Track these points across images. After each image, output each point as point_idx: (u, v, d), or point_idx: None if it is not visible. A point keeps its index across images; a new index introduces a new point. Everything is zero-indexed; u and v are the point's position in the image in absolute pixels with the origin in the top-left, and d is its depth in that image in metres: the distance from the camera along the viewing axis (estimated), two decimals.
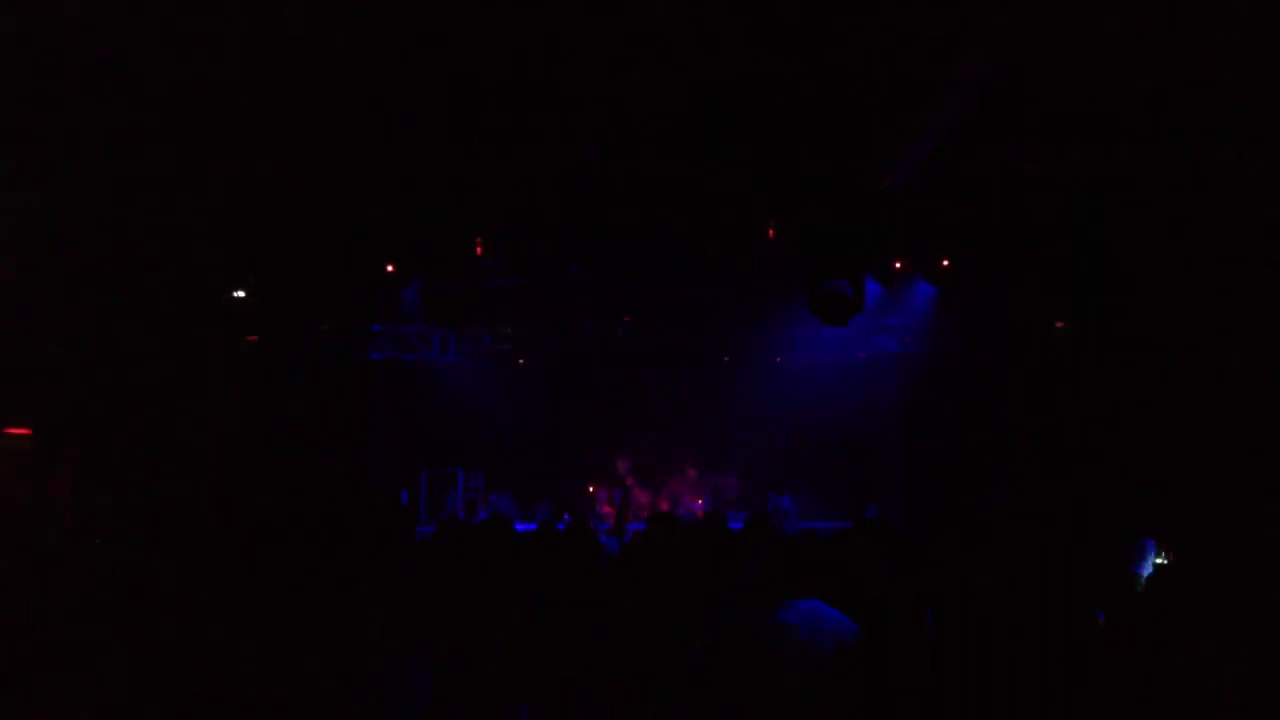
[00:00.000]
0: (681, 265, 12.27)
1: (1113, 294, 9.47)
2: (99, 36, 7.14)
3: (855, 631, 4.02)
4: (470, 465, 13.29)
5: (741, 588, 4.61)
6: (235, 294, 10.28)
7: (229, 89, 8.18)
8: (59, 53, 7.14)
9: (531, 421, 14.09)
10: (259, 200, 9.45)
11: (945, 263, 11.71)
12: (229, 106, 8.36)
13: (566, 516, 10.82)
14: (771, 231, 11.20)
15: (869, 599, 4.22)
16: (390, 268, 11.71)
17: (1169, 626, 4.63)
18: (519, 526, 10.48)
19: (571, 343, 13.97)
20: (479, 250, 11.42)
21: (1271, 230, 7.54)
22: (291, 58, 8.08)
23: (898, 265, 12.02)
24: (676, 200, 10.47)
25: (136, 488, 7.96)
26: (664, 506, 12.88)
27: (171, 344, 8.75)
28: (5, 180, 7.70)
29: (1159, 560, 5.61)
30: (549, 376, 14.31)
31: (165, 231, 8.68)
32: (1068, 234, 9.64)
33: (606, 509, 12.85)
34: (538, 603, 4.52)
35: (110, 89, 7.74)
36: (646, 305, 13.36)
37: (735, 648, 4.02)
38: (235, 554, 6.83)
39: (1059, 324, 10.49)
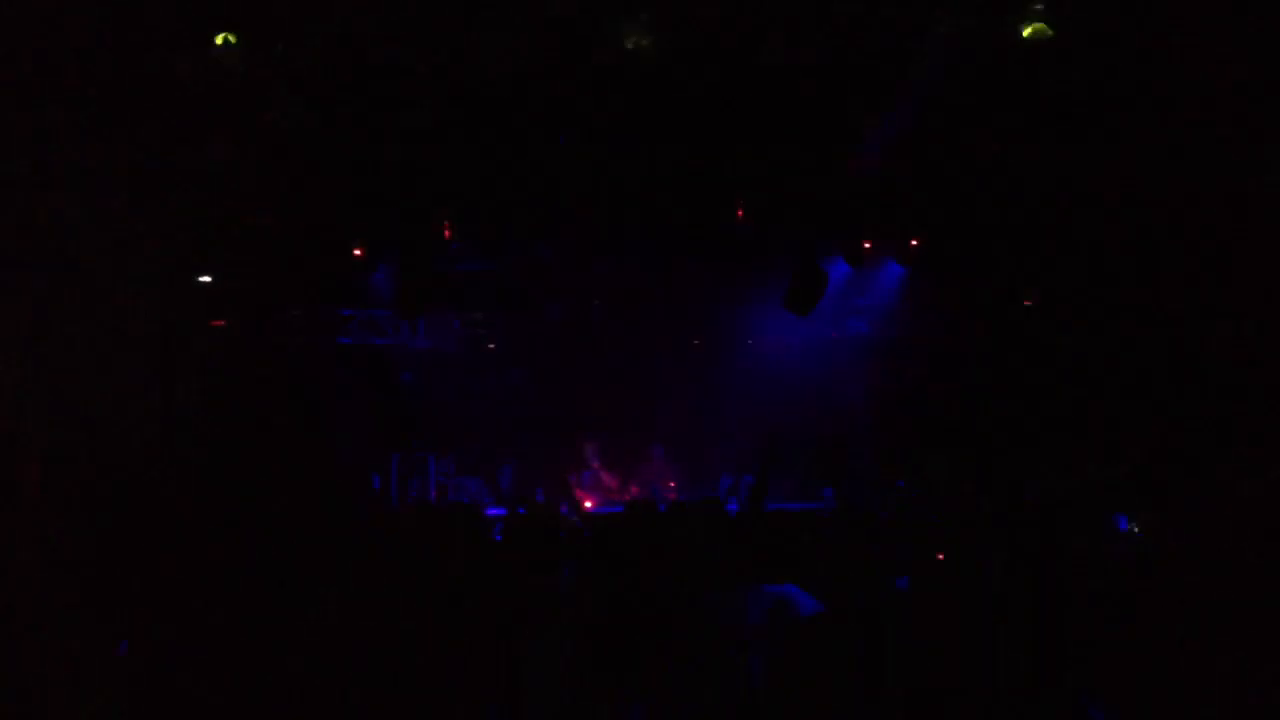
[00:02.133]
0: (651, 248, 12.24)
1: (1083, 271, 9.51)
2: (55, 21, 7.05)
3: (824, 614, 4.02)
4: (441, 450, 13.21)
5: (705, 571, 4.58)
6: (201, 279, 10.18)
7: (195, 72, 8.10)
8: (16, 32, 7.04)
9: (502, 406, 14.03)
10: (225, 184, 9.35)
11: (915, 243, 11.72)
12: (195, 90, 8.27)
13: (534, 500, 10.79)
14: (740, 212, 11.17)
15: (840, 581, 4.22)
16: (358, 252, 11.62)
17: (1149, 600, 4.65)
18: (491, 511, 10.49)
19: (541, 327, 13.91)
20: (447, 234, 11.35)
21: (1245, 206, 7.58)
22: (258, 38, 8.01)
23: (867, 246, 12.01)
24: (645, 183, 10.43)
25: (103, 473, 7.86)
26: (634, 490, 12.84)
27: (136, 328, 8.65)
28: None
29: (1133, 531, 5.65)
30: (519, 361, 14.24)
31: (131, 216, 8.58)
32: (1038, 212, 9.66)
33: (578, 493, 12.82)
34: (497, 587, 4.49)
35: (72, 72, 7.64)
36: (616, 288, 13.31)
37: (703, 632, 4.01)
38: (203, 540, 6.76)
39: (1028, 302, 10.54)
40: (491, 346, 14.29)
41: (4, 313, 7.98)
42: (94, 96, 7.89)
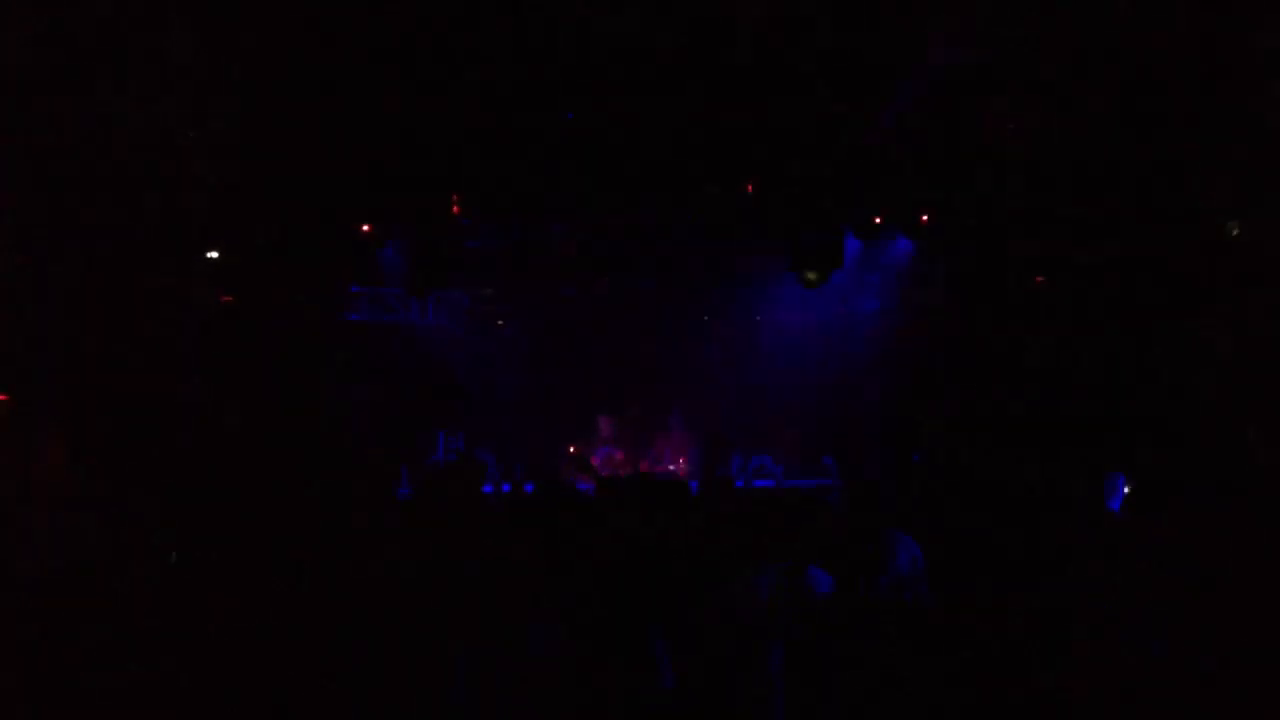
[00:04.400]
0: (662, 224, 12.21)
1: (1094, 250, 9.47)
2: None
3: (834, 590, 4.00)
4: (451, 427, 13.22)
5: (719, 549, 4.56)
6: (210, 255, 10.16)
7: (203, 47, 8.08)
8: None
9: (512, 383, 14.03)
10: (234, 160, 9.34)
11: (925, 218, 11.66)
12: (203, 66, 8.25)
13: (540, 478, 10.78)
14: (750, 187, 11.14)
15: (850, 557, 4.21)
16: (367, 228, 11.61)
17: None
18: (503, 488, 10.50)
19: (552, 303, 13.90)
20: (455, 210, 11.33)
21: (1255, 182, 7.54)
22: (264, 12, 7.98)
23: (877, 220, 11.97)
24: (656, 158, 10.39)
25: (118, 454, 7.89)
26: (643, 467, 12.86)
27: (146, 304, 8.66)
28: None
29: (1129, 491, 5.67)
30: (529, 338, 14.24)
31: (139, 192, 8.57)
32: (1048, 189, 9.61)
33: (595, 461, 12.86)
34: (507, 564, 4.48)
35: (79, 48, 7.62)
36: (627, 264, 13.28)
37: (717, 610, 3.99)
38: (219, 516, 6.79)
39: (1039, 279, 10.49)
40: (501, 323, 14.30)
41: (57, 289, 8.01)
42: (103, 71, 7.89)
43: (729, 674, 3.86)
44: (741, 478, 11.92)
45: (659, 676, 3.95)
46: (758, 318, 14.24)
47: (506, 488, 10.80)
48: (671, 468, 13.02)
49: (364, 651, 4.49)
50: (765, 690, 3.83)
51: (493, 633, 4.29)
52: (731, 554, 4.34)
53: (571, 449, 13.29)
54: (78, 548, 6.56)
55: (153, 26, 7.81)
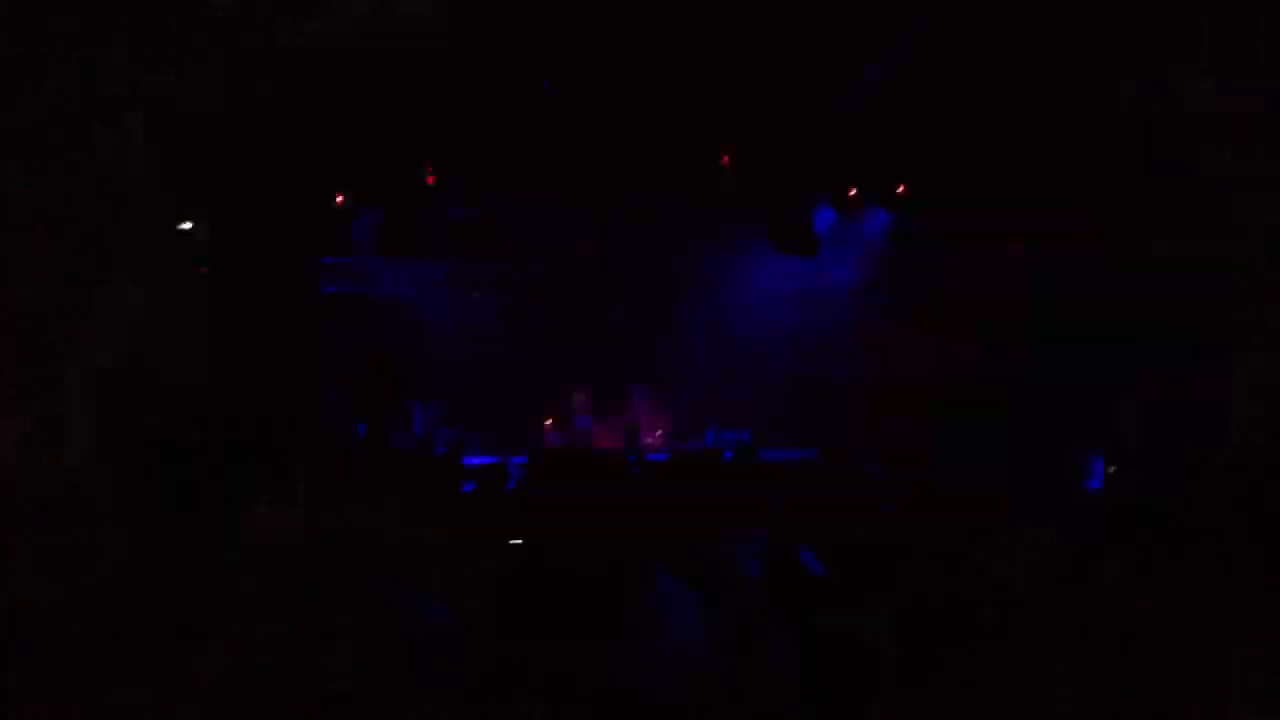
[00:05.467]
0: (637, 195, 12.18)
1: (1070, 217, 9.48)
2: None
3: (822, 575, 3.97)
4: (426, 399, 13.19)
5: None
6: (182, 225, 10.05)
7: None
8: None
9: (488, 354, 13.98)
10: (206, 130, 9.22)
11: (902, 189, 11.67)
12: (177, 33, 8.11)
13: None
14: (726, 158, 11.11)
15: (835, 538, 4.19)
16: (340, 198, 11.52)
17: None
18: (478, 460, 10.47)
19: (526, 274, 13.86)
20: (430, 180, 11.27)
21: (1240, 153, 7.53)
22: None
23: (853, 192, 11.96)
24: (631, 127, 10.35)
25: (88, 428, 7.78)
26: (614, 439, 12.85)
27: (123, 276, 8.55)
28: None
29: (1110, 471, 5.68)
30: (504, 308, 14.19)
31: (111, 164, 8.44)
32: (1026, 157, 9.61)
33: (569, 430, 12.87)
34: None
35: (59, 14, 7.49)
36: (602, 235, 13.24)
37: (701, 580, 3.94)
38: (188, 489, 6.69)
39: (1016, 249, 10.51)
40: (476, 294, 14.24)
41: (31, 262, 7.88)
42: (75, 36, 7.74)
43: (724, 665, 3.78)
44: (728, 451, 11.94)
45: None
46: (731, 288, 14.22)
47: (480, 460, 10.78)
48: (649, 440, 13.02)
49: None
50: (770, 685, 3.79)
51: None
52: (705, 526, 4.28)
53: (547, 420, 13.27)
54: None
55: None
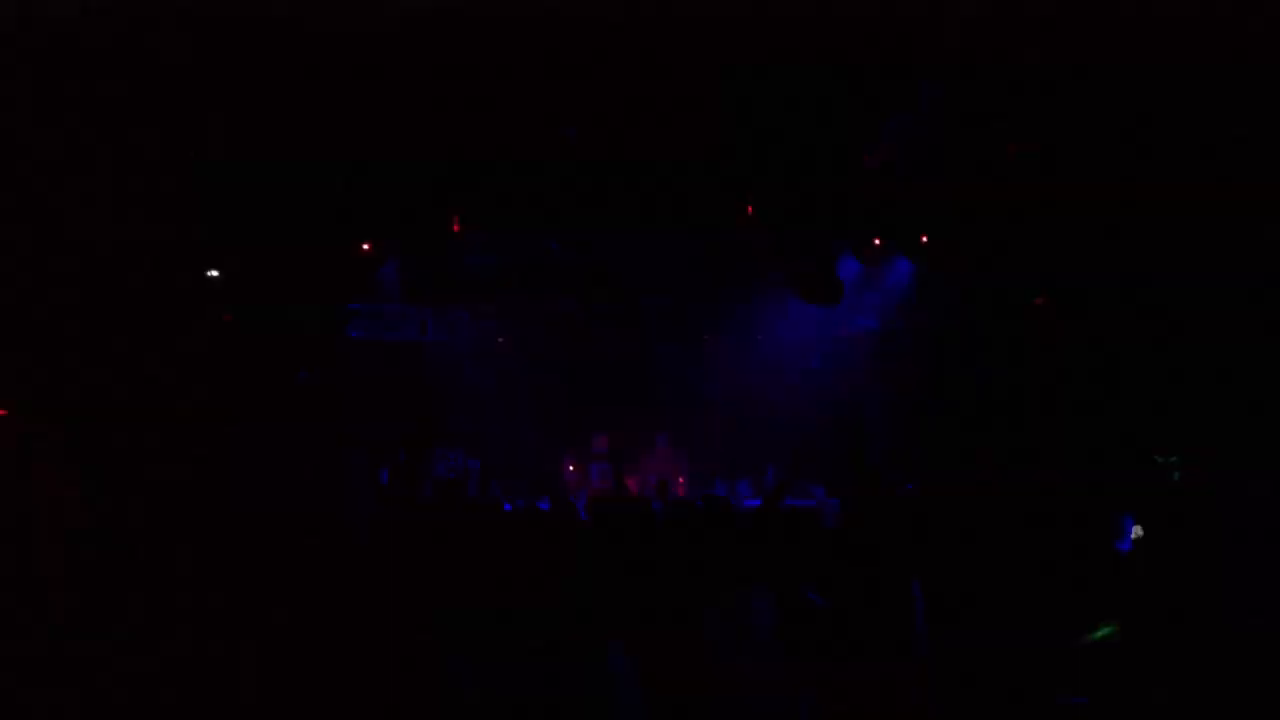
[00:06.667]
0: (661, 243, 12.22)
1: (1095, 271, 9.47)
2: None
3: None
4: (450, 444, 13.24)
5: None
6: (210, 273, 10.17)
7: (200, 62, 8.07)
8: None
9: (511, 400, 14.04)
10: (234, 178, 9.34)
11: (925, 239, 11.65)
12: (203, 81, 8.24)
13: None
14: (750, 208, 11.14)
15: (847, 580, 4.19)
16: (366, 246, 11.62)
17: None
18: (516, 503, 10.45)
19: (551, 321, 13.92)
20: (455, 228, 11.34)
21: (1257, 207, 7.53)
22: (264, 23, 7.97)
23: (877, 242, 11.96)
24: (655, 177, 10.39)
25: (117, 471, 7.85)
26: (631, 486, 12.85)
27: (148, 323, 8.65)
28: None
29: (1138, 534, 5.61)
30: (529, 355, 14.26)
31: (140, 210, 8.57)
32: (1050, 209, 9.60)
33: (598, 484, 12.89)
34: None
35: (79, 63, 7.63)
36: (626, 283, 13.30)
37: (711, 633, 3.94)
38: (209, 532, 6.74)
39: (1039, 300, 10.48)
40: (501, 340, 14.32)
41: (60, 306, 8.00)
42: (103, 86, 7.88)
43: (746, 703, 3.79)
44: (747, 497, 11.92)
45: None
46: (759, 337, 14.22)
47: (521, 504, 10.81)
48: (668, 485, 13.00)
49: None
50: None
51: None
52: (722, 575, 4.29)
53: (570, 466, 13.30)
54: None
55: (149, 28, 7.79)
